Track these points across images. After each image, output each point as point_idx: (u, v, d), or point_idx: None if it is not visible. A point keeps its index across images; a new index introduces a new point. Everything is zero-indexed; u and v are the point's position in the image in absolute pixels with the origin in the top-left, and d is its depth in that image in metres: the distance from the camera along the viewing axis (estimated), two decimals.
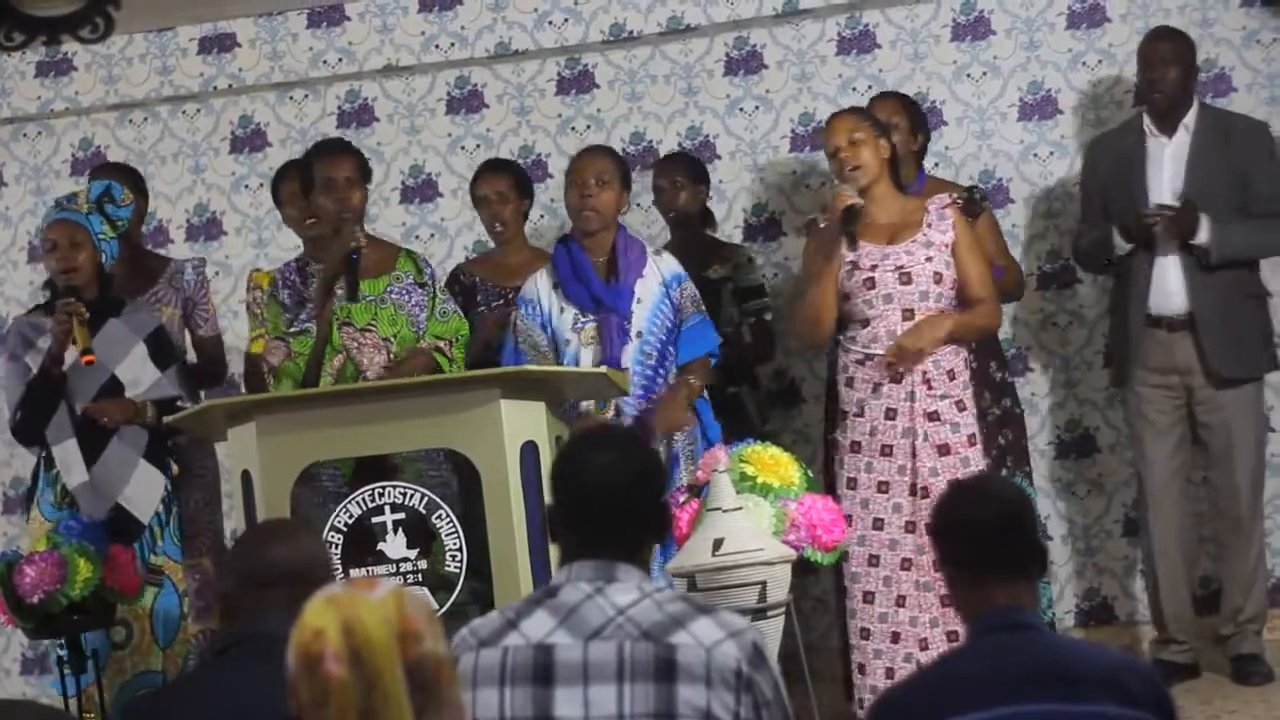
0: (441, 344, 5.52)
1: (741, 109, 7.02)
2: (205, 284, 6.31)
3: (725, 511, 4.69)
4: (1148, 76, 6.22)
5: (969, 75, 6.91)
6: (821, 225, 5.55)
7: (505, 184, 6.25)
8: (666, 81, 7.06)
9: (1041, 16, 6.87)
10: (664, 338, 5.58)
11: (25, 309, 6.87)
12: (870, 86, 6.87)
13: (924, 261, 5.42)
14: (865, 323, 5.44)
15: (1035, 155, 6.85)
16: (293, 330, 5.47)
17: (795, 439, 6.74)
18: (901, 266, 5.42)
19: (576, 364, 5.52)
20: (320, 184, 5.53)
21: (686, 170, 6.51)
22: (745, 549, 4.62)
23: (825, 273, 5.47)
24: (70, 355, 5.62)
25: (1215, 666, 6.22)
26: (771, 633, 4.62)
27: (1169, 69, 6.17)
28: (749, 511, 4.73)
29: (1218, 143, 6.16)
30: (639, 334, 5.56)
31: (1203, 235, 6.02)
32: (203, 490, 6.12)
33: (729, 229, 6.93)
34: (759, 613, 4.58)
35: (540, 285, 5.67)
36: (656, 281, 5.62)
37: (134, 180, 6.44)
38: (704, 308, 5.69)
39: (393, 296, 5.52)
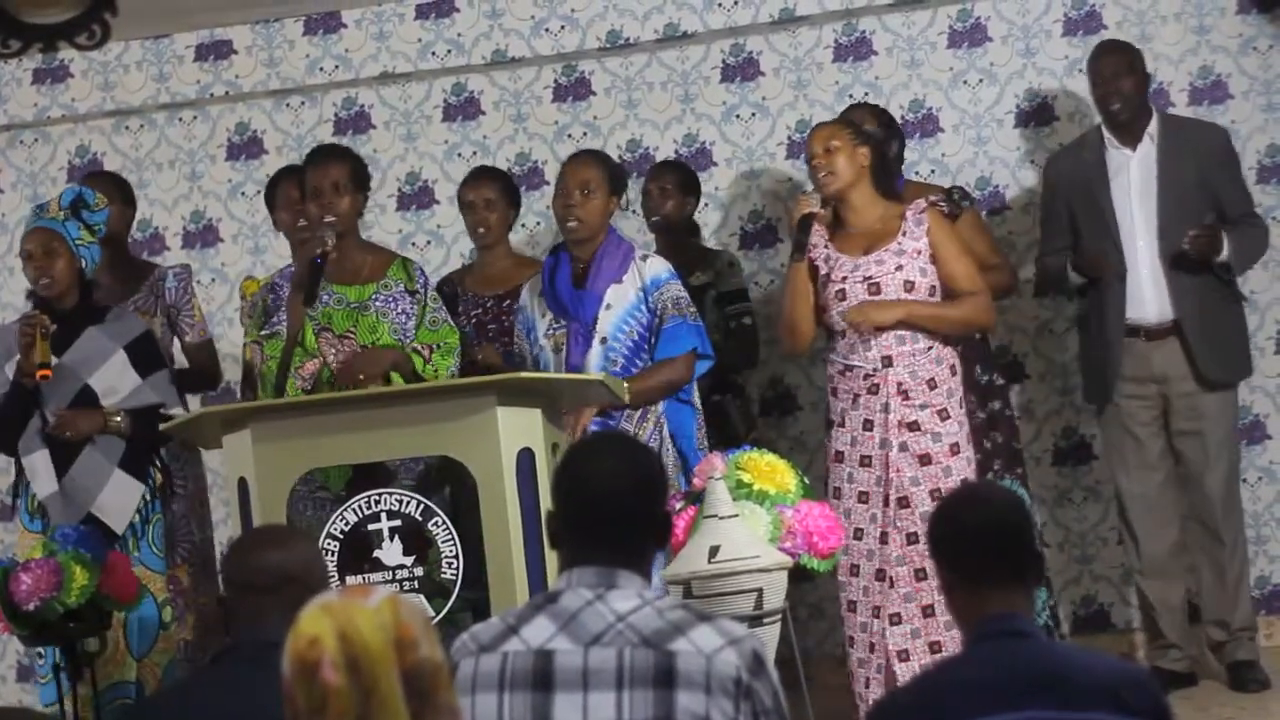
0: (419, 346, 5.49)
1: (738, 116, 7.03)
2: (188, 289, 6.28)
3: (722, 518, 4.69)
4: (1103, 91, 6.23)
5: (965, 82, 6.91)
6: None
7: (492, 191, 6.25)
8: (663, 88, 7.07)
9: (1038, 23, 6.88)
10: (632, 344, 5.52)
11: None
12: (866, 93, 6.87)
13: (893, 270, 5.42)
14: (843, 334, 5.46)
15: (1032, 162, 6.85)
16: (263, 334, 5.48)
17: (791, 446, 6.74)
18: (870, 277, 5.43)
19: (547, 370, 5.51)
20: (308, 191, 5.53)
21: (676, 179, 6.51)
22: (742, 556, 4.62)
23: (793, 280, 5.52)
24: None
25: (1212, 674, 6.22)
26: (768, 640, 4.61)
27: (1122, 81, 6.19)
28: (745, 518, 4.73)
29: (1183, 151, 6.18)
30: (603, 340, 5.51)
31: (1224, 253, 6.06)
32: (181, 502, 6.05)
33: (724, 236, 6.94)
34: (755, 620, 4.58)
35: (531, 292, 5.68)
36: (635, 287, 5.55)
37: (121, 188, 6.43)
38: (692, 312, 5.58)
39: (376, 304, 5.50)
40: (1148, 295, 6.11)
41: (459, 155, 7.16)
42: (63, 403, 5.69)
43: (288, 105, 7.26)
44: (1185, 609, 6.26)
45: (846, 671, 5.50)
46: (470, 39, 7.08)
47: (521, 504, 4.77)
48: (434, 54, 7.11)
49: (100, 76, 7.25)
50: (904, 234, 5.46)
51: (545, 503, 4.62)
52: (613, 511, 3.15)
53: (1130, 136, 6.21)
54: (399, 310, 5.51)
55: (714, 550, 4.61)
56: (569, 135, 7.09)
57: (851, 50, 6.97)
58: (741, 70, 7.03)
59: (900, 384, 5.38)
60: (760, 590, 4.62)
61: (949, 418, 5.41)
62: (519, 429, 4.83)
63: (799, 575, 4.96)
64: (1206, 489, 6.16)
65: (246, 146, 7.29)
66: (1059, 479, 6.81)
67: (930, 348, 5.42)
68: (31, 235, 5.77)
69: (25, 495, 5.79)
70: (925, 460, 5.36)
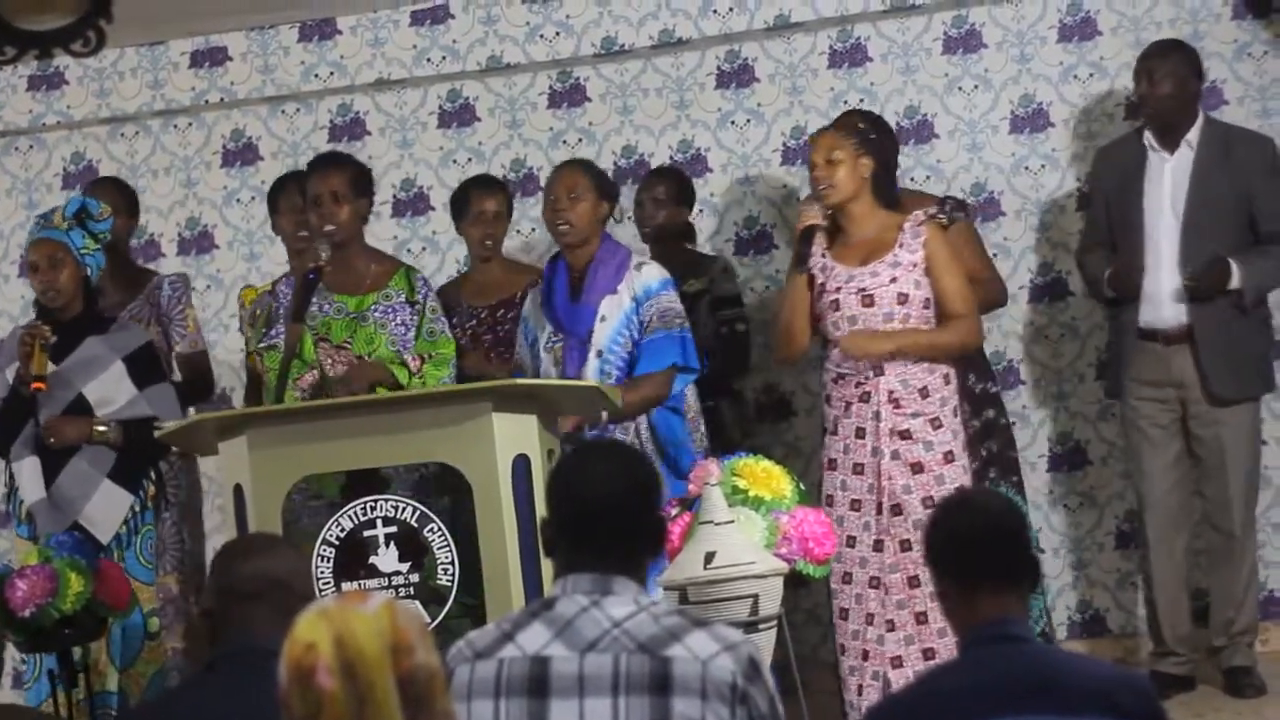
0: (409, 358, 5.49)
1: (733, 122, 7.03)
2: (182, 299, 6.28)
3: (717, 525, 4.69)
4: (1139, 93, 6.20)
5: (960, 88, 6.91)
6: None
7: (501, 203, 6.29)
8: (658, 95, 7.07)
9: (1033, 30, 6.88)
10: (627, 355, 5.50)
11: (16, 323, 6.87)
12: (862, 100, 6.87)
13: (888, 283, 5.40)
14: (836, 343, 5.46)
15: (1026, 168, 6.86)
16: (262, 346, 5.49)
17: (787, 452, 6.74)
18: (864, 289, 5.41)
19: None
20: (309, 199, 5.53)
21: (668, 188, 6.51)
22: (737, 562, 4.62)
23: (792, 290, 5.52)
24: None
25: (1208, 679, 6.22)
26: (763, 645, 4.61)
27: (1159, 86, 6.10)
28: (741, 524, 4.73)
29: (1219, 159, 6.10)
30: (599, 353, 5.50)
31: (1234, 282, 6.00)
32: (174, 510, 6.05)
33: (719, 242, 6.95)
34: (751, 626, 4.57)
35: (533, 304, 5.68)
36: (629, 296, 5.53)
37: (126, 195, 6.44)
38: (679, 323, 5.54)
39: (375, 315, 5.50)
40: (1165, 301, 6.07)
41: (454, 162, 7.16)
42: (55, 411, 5.69)
43: (283, 112, 7.26)
44: (1189, 614, 6.22)
45: (838, 679, 5.49)
46: (465, 45, 7.09)
47: (517, 510, 4.76)
48: (429, 60, 7.11)
49: (95, 83, 7.24)
50: (900, 245, 5.43)
51: (541, 509, 4.61)
52: (607, 518, 3.16)
53: (1169, 140, 6.14)
54: (398, 321, 5.50)
55: (709, 556, 4.61)
56: (564, 141, 7.09)
57: (846, 56, 6.98)
58: (736, 76, 7.04)
59: (891, 392, 5.38)
60: (756, 596, 4.61)
61: (941, 426, 5.40)
62: (515, 435, 4.82)
63: (795, 581, 4.96)
64: (1220, 496, 6.12)
65: (242, 153, 7.29)
66: (1054, 485, 6.82)
67: (921, 358, 5.42)
68: (36, 246, 5.76)
69: (16, 502, 5.81)
70: (918, 468, 5.36)
